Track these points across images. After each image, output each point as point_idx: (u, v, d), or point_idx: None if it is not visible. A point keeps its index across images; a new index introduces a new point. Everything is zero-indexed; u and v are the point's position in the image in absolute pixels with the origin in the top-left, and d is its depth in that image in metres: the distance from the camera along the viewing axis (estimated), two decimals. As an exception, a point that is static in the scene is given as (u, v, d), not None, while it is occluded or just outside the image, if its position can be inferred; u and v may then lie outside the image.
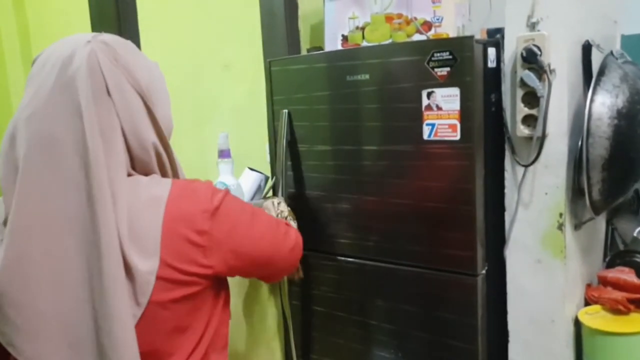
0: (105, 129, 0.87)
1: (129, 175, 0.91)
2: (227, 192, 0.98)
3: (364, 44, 1.53)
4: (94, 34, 0.94)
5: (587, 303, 1.40)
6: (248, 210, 1.02)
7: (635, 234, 1.56)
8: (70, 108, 0.85)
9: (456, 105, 1.26)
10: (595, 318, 1.31)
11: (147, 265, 0.86)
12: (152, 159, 0.94)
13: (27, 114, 0.87)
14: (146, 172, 0.94)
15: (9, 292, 0.83)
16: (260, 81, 1.65)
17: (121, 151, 0.89)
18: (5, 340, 0.84)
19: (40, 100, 0.86)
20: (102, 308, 0.82)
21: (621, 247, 1.60)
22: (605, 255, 1.59)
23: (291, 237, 1.14)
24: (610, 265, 1.49)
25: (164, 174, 0.97)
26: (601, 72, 1.27)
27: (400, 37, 1.46)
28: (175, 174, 1.00)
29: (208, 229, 0.91)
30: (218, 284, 1.00)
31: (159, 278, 0.86)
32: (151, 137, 0.93)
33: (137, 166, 0.93)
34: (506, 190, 1.33)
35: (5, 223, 0.86)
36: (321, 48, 1.66)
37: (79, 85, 0.85)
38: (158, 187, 0.91)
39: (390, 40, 1.48)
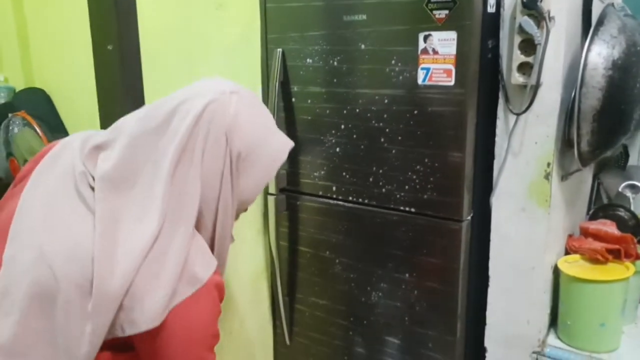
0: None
1: None
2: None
3: (363, -17, 1.49)
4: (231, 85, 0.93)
5: (568, 253, 1.43)
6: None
7: (620, 189, 1.58)
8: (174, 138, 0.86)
9: (452, 49, 1.25)
10: (573, 266, 1.35)
11: None
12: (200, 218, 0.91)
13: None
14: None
15: None
16: (255, 22, 1.61)
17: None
18: None
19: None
20: None
21: (605, 201, 1.63)
22: (589, 208, 1.63)
23: None
24: (593, 217, 1.53)
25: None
26: (600, 22, 1.25)
27: (400, -22, 1.43)
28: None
29: None
30: None
31: None
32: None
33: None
34: (497, 138, 1.34)
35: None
36: (319, -14, 1.61)
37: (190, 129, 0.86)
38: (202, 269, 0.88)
39: (389, -19, 1.45)
